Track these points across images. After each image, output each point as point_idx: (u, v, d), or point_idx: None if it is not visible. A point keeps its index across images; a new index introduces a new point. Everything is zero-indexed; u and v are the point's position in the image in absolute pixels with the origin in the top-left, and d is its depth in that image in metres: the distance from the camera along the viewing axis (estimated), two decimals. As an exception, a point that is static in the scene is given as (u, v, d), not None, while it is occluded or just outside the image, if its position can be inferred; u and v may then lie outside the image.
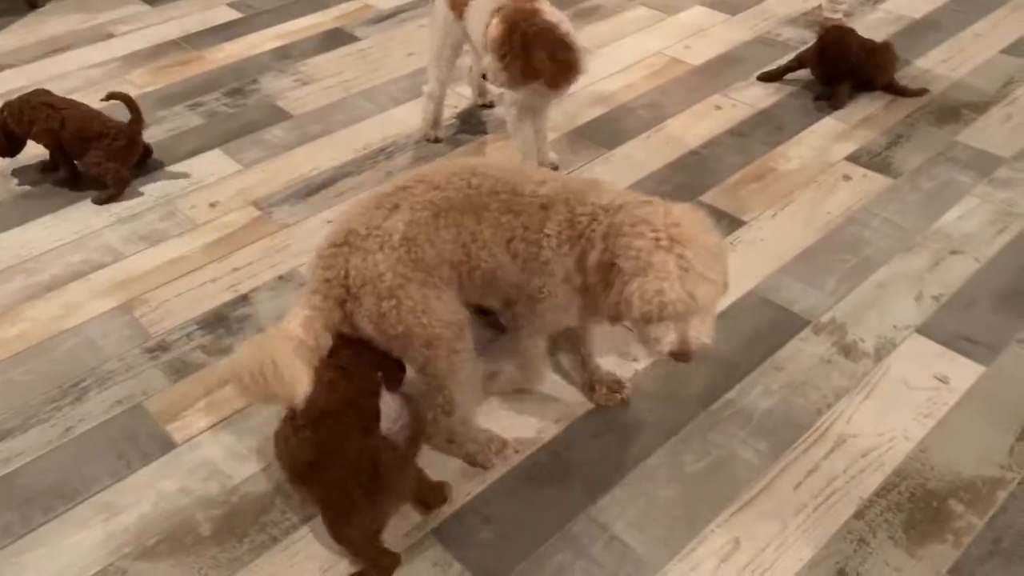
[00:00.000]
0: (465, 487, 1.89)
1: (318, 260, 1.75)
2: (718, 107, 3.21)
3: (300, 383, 1.56)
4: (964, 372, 2.13)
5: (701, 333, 1.59)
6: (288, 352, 1.58)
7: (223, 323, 2.33)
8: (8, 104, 2.79)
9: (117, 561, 1.78)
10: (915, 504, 1.84)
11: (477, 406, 2.02)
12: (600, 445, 1.98)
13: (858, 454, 1.95)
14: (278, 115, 3.22)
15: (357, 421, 1.67)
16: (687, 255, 1.52)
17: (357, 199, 1.78)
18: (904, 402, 2.07)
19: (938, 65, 3.42)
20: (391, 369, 1.83)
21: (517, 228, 1.72)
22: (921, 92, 3.22)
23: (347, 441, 1.63)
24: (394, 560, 1.71)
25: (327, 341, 1.73)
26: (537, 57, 2.34)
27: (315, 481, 1.64)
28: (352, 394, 1.69)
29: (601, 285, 1.62)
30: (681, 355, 1.60)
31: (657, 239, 1.54)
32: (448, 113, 3.13)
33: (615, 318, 1.64)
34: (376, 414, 1.75)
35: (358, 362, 1.74)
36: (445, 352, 1.77)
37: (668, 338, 1.59)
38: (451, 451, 1.94)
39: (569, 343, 2.05)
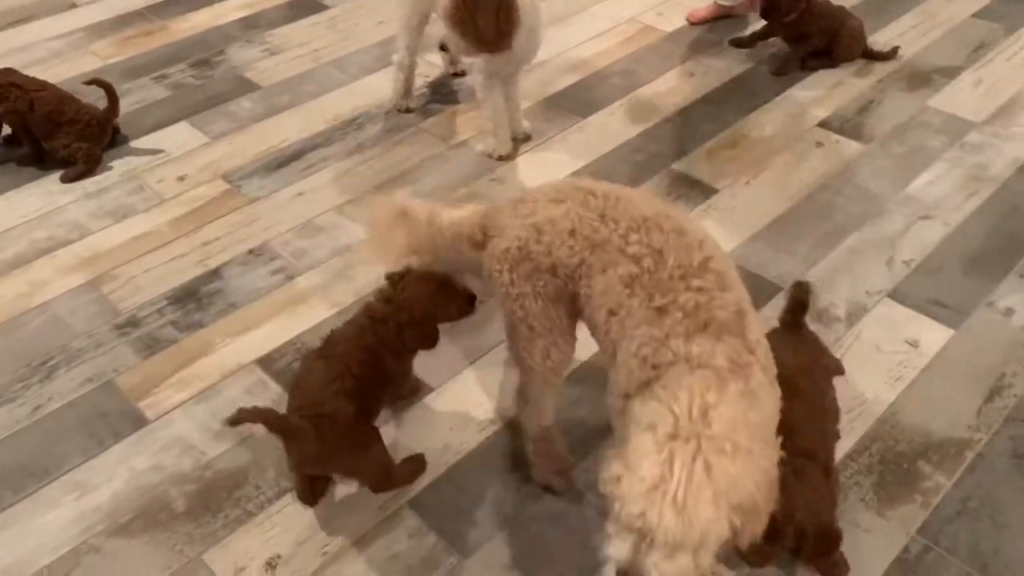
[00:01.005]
0: (442, 458, 1.89)
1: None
2: (691, 74, 3.19)
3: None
4: (934, 336, 2.15)
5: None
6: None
7: (193, 298, 2.30)
8: None
9: (90, 539, 1.76)
10: (885, 466, 1.87)
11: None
12: (578, 414, 1.98)
13: (830, 418, 1.97)
14: (246, 86, 3.16)
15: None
16: None
17: (575, 180, 1.62)
18: (875, 366, 2.09)
19: (909, 30, 3.42)
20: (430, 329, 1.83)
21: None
22: (893, 53, 3.22)
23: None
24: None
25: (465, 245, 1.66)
26: (482, 21, 2.31)
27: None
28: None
29: None
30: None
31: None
32: (419, 82, 3.09)
33: None
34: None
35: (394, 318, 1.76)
36: (520, 348, 1.68)
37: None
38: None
39: None
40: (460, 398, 2.03)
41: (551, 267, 1.51)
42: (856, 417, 1.97)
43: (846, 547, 1.61)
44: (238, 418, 1.51)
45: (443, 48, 2.59)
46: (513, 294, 1.56)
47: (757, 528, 1.22)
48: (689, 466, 1.16)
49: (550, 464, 1.81)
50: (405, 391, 1.99)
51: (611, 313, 1.44)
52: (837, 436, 1.77)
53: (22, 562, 1.73)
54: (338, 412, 1.62)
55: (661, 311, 1.36)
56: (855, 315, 2.22)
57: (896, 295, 2.27)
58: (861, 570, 1.68)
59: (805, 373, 1.74)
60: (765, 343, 1.39)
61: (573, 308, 1.56)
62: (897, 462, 1.87)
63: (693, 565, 1.16)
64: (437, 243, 1.72)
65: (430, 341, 1.80)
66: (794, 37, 3.19)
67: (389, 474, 1.76)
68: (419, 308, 1.75)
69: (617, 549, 1.20)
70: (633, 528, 1.17)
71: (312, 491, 1.80)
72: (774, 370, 1.38)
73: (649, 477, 1.16)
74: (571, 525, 1.76)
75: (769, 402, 1.32)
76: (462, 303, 1.81)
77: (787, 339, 1.85)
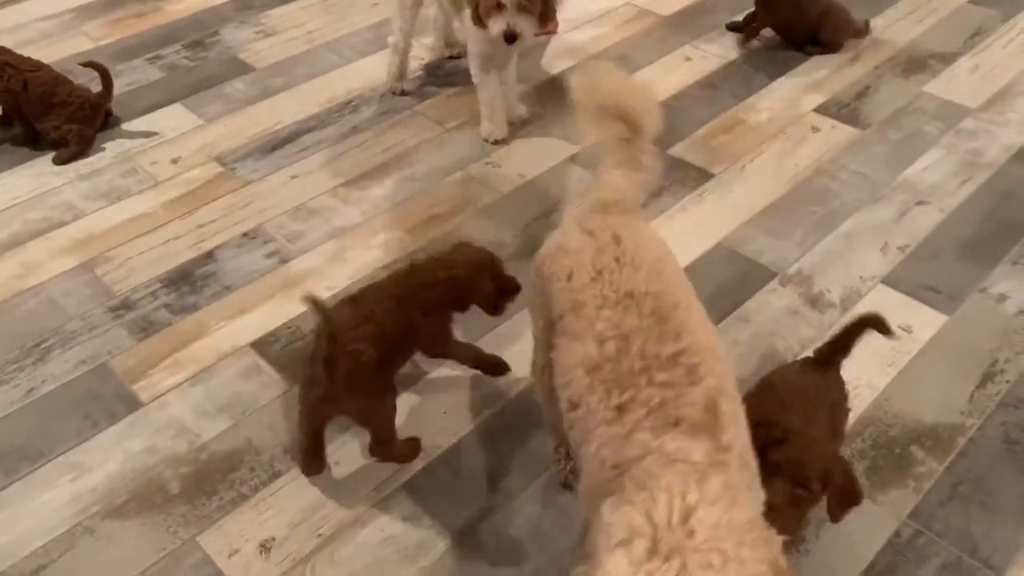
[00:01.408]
0: (436, 440, 1.90)
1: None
2: (688, 58, 3.18)
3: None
4: (927, 321, 2.16)
5: None
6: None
7: (187, 280, 2.30)
8: None
9: (85, 521, 1.76)
10: (878, 451, 1.88)
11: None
12: (569, 398, 1.99)
13: (823, 403, 1.97)
14: (240, 68, 3.14)
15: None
16: None
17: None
18: (868, 352, 2.09)
19: (906, 16, 3.41)
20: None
21: None
22: (866, 27, 3.23)
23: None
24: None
25: None
26: None
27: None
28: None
29: None
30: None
31: None
32: (414, 65, 3.08)
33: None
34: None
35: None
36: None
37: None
38: None
39: None
40: (455, 382, 2.03)
41: (543, 303, 1.49)
42: (849, 401, 1.97)
43: (836, 532, 1.62)
44: (312, 299, 1.55)
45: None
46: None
47: None
48: None
49: None
50: (450, 353, 1.94)
51: (572, 406, 1.32)
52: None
53: (17, 542, 1.73)
54: (360, 353, 1.63)
55: (621, 409, 1.24)
56: (849, 300, 2.23)
57: (890, 280, 2.28)
58: (852, 554, 1.69)
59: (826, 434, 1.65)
60: (744, 436, 1.25)
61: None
62: (889, 447, 1.89)
63: None
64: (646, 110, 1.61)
65: (460, 304, 1.83)
66: (777, 23, 3.19)
67: (392, 434, 1.79)
68: (459, 270, 1.79)
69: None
70: None
71: (316, 454, 1.79)
72: (755, 465, 1.26)
73: None
74: (565, 508, 1.77)
75: (753, 503, 1.18)
76: (502, 286, 1.85)
77: (816, 377, 1.72)
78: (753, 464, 1.25)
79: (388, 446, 1.80)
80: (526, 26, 2.40)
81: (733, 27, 3.31)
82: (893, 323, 2.14)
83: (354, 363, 1.63)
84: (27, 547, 1.72)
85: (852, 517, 1.74)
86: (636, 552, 0.99)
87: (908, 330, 2.14)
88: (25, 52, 2.83)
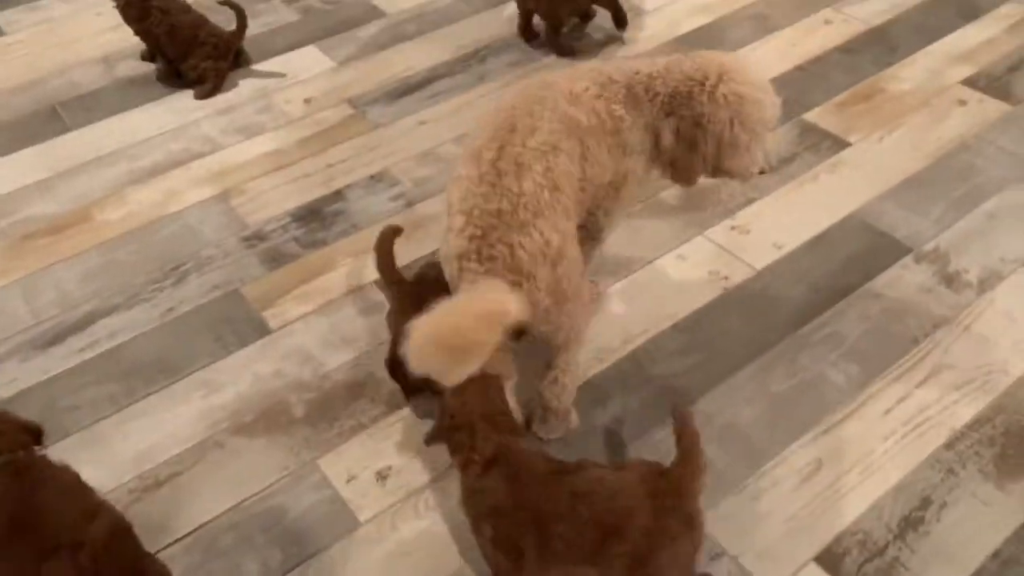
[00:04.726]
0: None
1: (465, 260, 1.52)
2: (828, 21, 3.06)
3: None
4: (1074, 310, 2.04)
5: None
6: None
7: (317, 217, 2.37)
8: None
9: (215, 435, 1.86)
10: (1008, 439, 1.80)
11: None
12: (684, 361, 1.97)
13: (953, 385, 1.90)
14: (373, 13, 3.19)
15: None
16: (757, 77, 1.72)
17: (449, 184, 1.61)
18: (1006, 336, 2.00)
19: (1072, -14, 3.18)
20: None
21: (601, 125, 1.69)
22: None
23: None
24: None
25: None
26: None
27: None
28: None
29: (687, 148, 1.71)
30: (769, 167, 1.80)
31: (733, 79, 1.68)
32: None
33: (695, 174, 1.76)
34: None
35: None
36: (582, 307, 1.66)
37: (760, 155, 1.76)
38: (558, 407, 1.81)
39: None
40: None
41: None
42: (981, 386, 1.89)
43: (960, 517, 1.57)
44: None
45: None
46: (575, 261, 1.61)
47: None
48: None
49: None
50: None
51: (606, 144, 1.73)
52: None
53: (154, 449, 1.84)
54: None
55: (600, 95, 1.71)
56: (988, 282, 2.12)
57: (1035, 265, 2.16)
58: (977, 542, 1.63)
59: None
60: None
61: None
62: (1021, 436, 1.80)
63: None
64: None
65: None
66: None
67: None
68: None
69: (759, 157, 1.80)
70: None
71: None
72: None
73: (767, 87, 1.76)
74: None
75: None
76: None
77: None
78: None
79: None
80: None
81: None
82: (1040, 307, 2.05)
83: None
84: (163, 454, 1.83)
85: (978, 504, 1.68)
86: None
87: (1051, 318, 2.03)
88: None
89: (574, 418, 1.83)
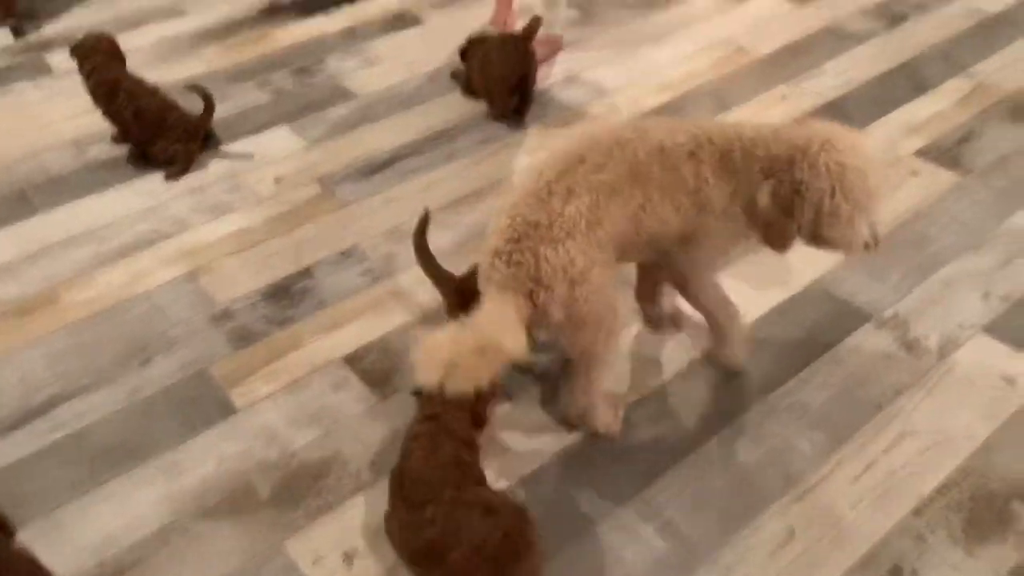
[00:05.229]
0: (517, 466, 1.91)
1: (497, 257, 1.68)
2: (784, 97, 3.16)
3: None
4: (1032, 373, 2.08)
5: (880, 217, 1.75)
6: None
7: (285, 294, 2.38)
8: (96, 77, 2.85)
9: (180, 519, 1.83)
10: (976, 503, 1.81)
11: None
12: (655, 429, 1.98)
13: (918, 451, 1.92)
14: (344, 94, 3.26)
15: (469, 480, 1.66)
16: (866, 151, 1.68)
17: (514, 193, 1.74)
18: (968, 401, 2.03)
19: (1015, 61, 3.32)
20: (479, 410, 1.86)
21: (679, 183, 1.74)
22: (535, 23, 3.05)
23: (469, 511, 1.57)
24: None
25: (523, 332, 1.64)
26: None
27: (439, 563, 1.55)
28: (454, 450, 1.69)
29: (783, 213, 1.71)
30: (875, 243, 1.76)
31: (838, 150, 1.66)
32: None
33: (814, 236, 1.75)
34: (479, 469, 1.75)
35: (450, 410, 1.75)
36: (605, 334, 1.78)
37: (863, 231, 1.73)
38: (580, 426, 1.97)
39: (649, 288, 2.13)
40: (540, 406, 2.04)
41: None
42: (946, 451, 1.91)
43: (932, 582, 1.57)
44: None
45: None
46: (600, 291, 1.69)
47: None
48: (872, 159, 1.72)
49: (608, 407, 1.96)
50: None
51: (672, 198, 1.76)
52: None
53: (117, 535, 1.80)
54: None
55: (693, 154, 1.75)
56: (947, 348, 2.16)
57: (992, 330, 2.20)
58: (947, 608, 1.63)
59: None
60: None
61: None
62: (989, 500, 1.81)
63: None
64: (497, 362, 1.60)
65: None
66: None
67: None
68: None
69: (861, 234, 1.73)
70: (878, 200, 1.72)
71: None
72: None
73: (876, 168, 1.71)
74: (645, 538, 1.75)
75: None
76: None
77: None
78: None
79: None
80: None
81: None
82: (995, 373, 2.08)
83: None
84: (126, 540, 1.79)
85: (949, 571, 1.68)
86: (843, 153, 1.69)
87: (1011, 382, 2.06)
88: (144, 72, 3.00)
89: (602, 424, 1.95)
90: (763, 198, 1.72)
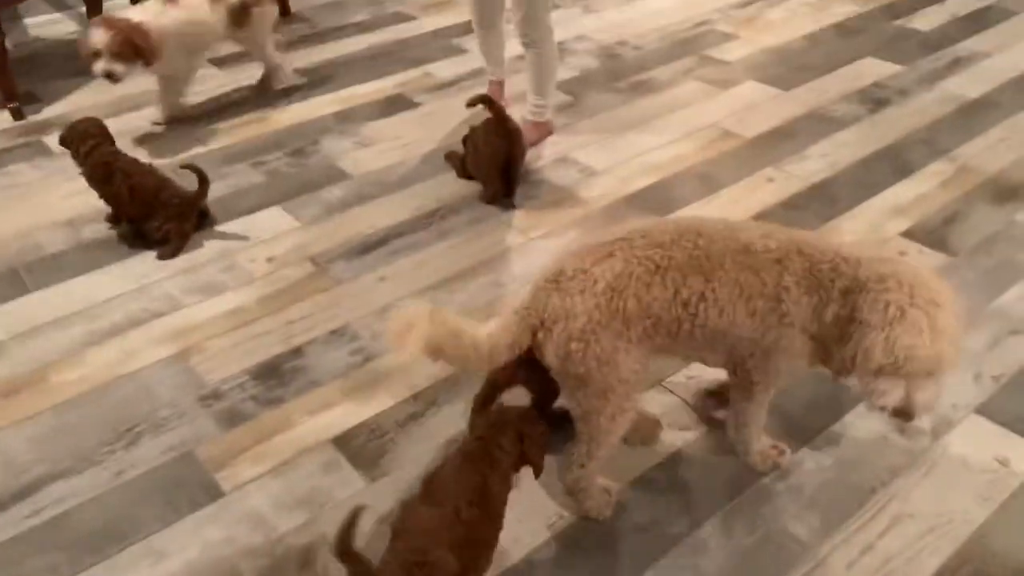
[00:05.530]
0: (507, 553, 1.87)
1: (531, 291, 1.78)
2: (770, 179, 3.22)
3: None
4: (1026, 455, 2.07)
5: (927, 396, 1.61)
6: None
7: (275, 374, 2.36)
8: (91, 161, 2.89)
9: (161, 607, 1.78)
10: (976, 590, 1.78)
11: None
12: (648, 514, 1.95)
13: (915, 535, 1.89)
14: (338, 175, 3.30)
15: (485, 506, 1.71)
16: (938, 317, 1.56)
17: (582, 243, 1.80)
18: (963, 483, 2.01)
19: (997, 144, 3.40)
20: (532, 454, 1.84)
21: (756, 285, 1.70)
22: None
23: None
24: None
25: (507, 355, 1.76)
26: None
27: None
28: (483, 475, 1.74)
29: (836, 337, 1.66)
30: (904, 414, 1.64)
31: (911, 297, 1.57)
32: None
33: (843, 370, 1.67)
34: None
35: (497, 436, 1.80)
36: (611, 409, 1.76)
37: (896, 394, 1.61)
38: (569, 499, 1.95)
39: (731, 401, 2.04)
40: (527, 487, 2.01)
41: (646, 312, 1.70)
42: (943, 535, 1.89)
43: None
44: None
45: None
46: (604, 359, 1.68)
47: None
48: (939, 321, 1.56)
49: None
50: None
51: (748, 300, 1.70)
52: None
53: (94, 625, 1.75)
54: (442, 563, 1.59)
55: (779, 261, 1.70)
56: (941, 429, 2.15)
57: (984, 411, 2.20)
58: None
59: None
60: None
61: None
62: (988, 587, 1.78)
63: (937, 389, 1.62)
64: (468, 356, 1.73)
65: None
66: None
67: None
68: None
69: (897, 396, 1.60)
70: (924, 370, 1.56)
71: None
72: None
73: (928, 332, 1.55)
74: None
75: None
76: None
77: None
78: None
79: None
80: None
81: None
82: (989, 455, 2.07)
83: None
84: (103, 630, 1.74)
85: (949, 660, 1.64)
86: (916, 299, 1.61)
87: (1005, 463, 2.05)
88: (140, 154, 3.04)
89: (593, 509, 1.94)
90: (828, 313, 1.67)
